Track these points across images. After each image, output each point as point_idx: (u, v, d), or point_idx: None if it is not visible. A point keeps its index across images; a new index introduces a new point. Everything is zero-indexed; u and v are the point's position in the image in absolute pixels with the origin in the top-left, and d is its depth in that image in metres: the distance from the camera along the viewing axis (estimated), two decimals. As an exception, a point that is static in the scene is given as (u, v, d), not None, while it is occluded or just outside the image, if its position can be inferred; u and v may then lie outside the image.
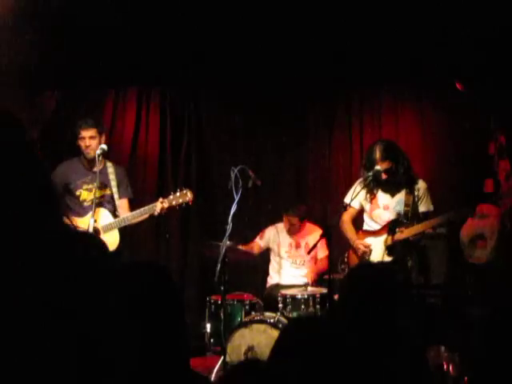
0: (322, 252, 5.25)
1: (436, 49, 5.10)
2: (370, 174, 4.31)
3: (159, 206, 4.32)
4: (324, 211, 6.03)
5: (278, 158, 6.26)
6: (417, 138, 5.84)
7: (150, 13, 4.88)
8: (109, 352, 1.51)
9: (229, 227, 4.17)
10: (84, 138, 4.43)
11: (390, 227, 4.39)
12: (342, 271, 4.72)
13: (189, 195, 4.34)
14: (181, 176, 6.20)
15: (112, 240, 4.32)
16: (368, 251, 4.42)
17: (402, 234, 4.34)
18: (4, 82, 5.17)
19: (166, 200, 4.34)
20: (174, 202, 4.34)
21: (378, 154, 4.31)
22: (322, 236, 4.19)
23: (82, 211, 4.45)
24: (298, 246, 5.45)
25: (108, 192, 4.51)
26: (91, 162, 4.50)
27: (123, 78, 5.86)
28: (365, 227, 4.65)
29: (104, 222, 4.39)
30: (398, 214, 4.41)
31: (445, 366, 3.91)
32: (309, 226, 5.50)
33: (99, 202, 4.44)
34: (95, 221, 4.27)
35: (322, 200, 6.12)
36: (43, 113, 5.92)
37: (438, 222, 4.37)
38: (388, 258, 4.37)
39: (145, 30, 5.09)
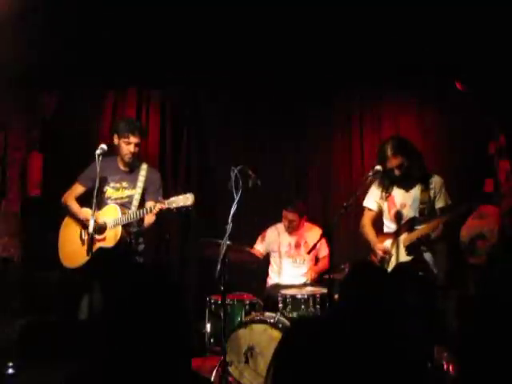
0: (324, 251, 5.24)
1: (436, 49, 5.10)
2: (370, 173, 4.22)
3: (158, 206, 4.27)
4: (324, 211, 6.03)
5: (277, 157, 6.26)
6: (417, 138, 5.82)
7: (150, 13, 4.89)
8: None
9: (229, 227, 4.15)
10: (130, 143, 4.46)
11: (409, 226, 4.32)
12: (342, 271, 4.70)
13: (190, 199, 4.25)
14: (181, 176, 6.20)
15: (112, 235, 4.40)
16: (387, 257, 4.32)
17: (419, 230, 4.23)
18: (4, 82, 5.18)
19: (165, 201, 4.29)
20: (173, 205, 4.28)
21: (388, 151, 4.23)
22: (322, 236, 4.17)
23: (103, 206, 4.50)
24: (297, 245, 5.44)
25: (134, 192, 4.55)
26: (127, 163, 4.56)
27: (123, 78, 5.86)
28: (385, 230, 4.54)
29: (112, 217, 4.43)
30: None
31: (445, 366, 3.90)
32: (307, 225, 5.50)
33: (125, 202, 4.51)
34: (96, 219, 4.29)
35: (322, 200, 6.12)
36: (43, 113, 5.93)
37: (455, 213, 4.21)
38: (407, 258, 4.27)
39: (145, 31, 5.09)
